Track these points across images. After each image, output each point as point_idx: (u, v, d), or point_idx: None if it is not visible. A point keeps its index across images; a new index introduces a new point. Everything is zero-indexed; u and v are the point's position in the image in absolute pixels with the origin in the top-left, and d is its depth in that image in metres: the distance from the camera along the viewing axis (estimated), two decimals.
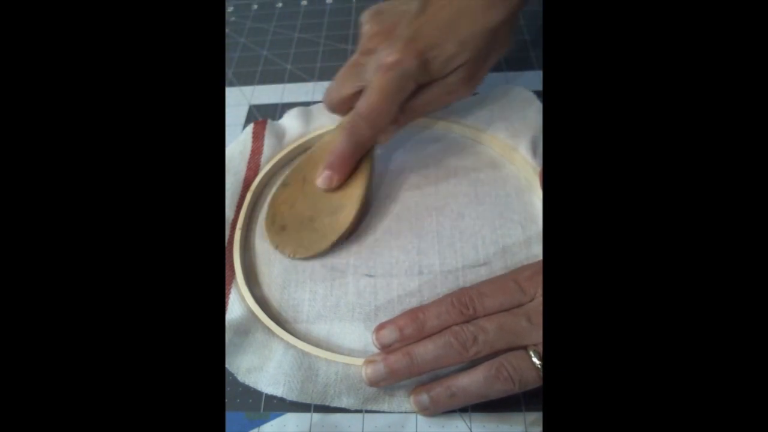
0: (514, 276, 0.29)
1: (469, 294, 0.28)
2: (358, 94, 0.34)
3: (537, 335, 0.26)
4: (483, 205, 0.37)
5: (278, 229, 0.36)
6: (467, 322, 0.28)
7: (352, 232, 0.36)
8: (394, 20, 0.36)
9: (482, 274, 0.33)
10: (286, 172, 0.39)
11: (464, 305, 0.28)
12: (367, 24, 0.37)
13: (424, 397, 0.27)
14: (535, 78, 0.47)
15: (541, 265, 0.29)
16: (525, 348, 0.26)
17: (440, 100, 0.36)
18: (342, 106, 0.37)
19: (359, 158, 0.36)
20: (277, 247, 0.36)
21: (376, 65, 0.33)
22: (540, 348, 0.26)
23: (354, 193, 0.36)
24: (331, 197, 0.36)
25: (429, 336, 0.28)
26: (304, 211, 0.36)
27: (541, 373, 0.26)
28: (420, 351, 0.27)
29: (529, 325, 0.26)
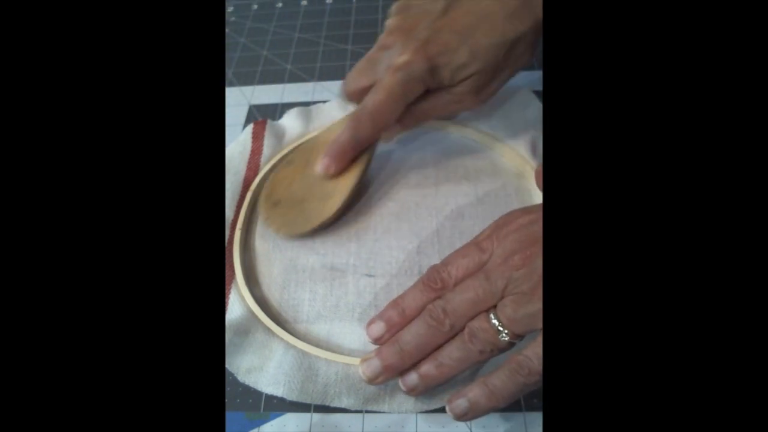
0: (475, 239, 0.29)
1: (435, 268, 0.29)
2: (371, 88, 0.35)
3: (496, 291, 0.26)
4: (483, 205, 0.37)
5: (271, 204, 0.37)
6: (440, 297, 0.28)
7: (335, 221, 0.37)
8: (417, 18, 0.36)
9: None
10: (293, 152, 0.40)
11: (433, 280, 0.28)
12: (391, 18, 0.38)
13: (413, 376, 0.27)
14: (535, 78, 0.47)
15: (499, 221, 0.29)
16: (487, 311, 0.26)
17: (447, 107, 0.36)
18: (356, 96, 0.37)
19: (358, 152, 0.36)
20: (265, 220, 0.36)
21: (388, 63, 0.33)
22: (499, 307, 0.26)
23: (345, 184, 0.36)
24: (325, 184, 0.37)
25: (412, 320, 0.28)
26: (298, 192, 0.37)
27: (502, 335, 0.25)
28: (405, 336, 0.28)
29: (487, 283, 0.26)
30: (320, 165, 0.36)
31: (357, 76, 0.37)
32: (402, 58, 0.32)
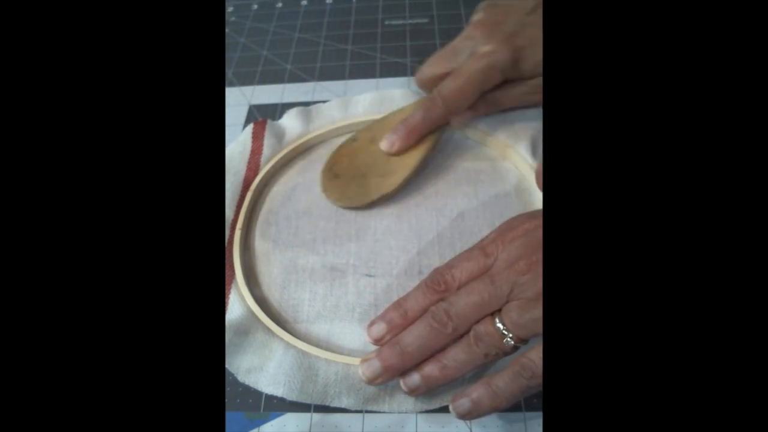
0: (479, 243, 0.29)
1: (439, 271, 0.29)
2: (447, 76, 0.36)
3: (501, 295, 0.26)
4: (483, 206, 0.37)
5: (332, 176, 0.38)
6: (443, 299, 0.28)
7: (391, 198, 0.38)
8: (505, 13, 0.37)
9: None
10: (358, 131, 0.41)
11: (436, 282, 0.28)
12: (478, 12, 0.39)
13: (414, 377, 0.27)
14: None
15: (503, 226, 0.29)
16: (492, 315, 0.26)
17: (522, 98, 0.37)
18: (430, 83, 0.39)
19: (426, 133, 0.38)
20: (324, 191, 0.38)
21: (471, 51, 0.35)
22: (504, 311, 0.26)
23: (409, 163, 0.38)
24: (388, 160, 0.38)
25: (414, 322, 0.28)
26: (360, 166, 0.38)
27: (506, 339, 0.26)
28: (406, 338, 0.28)
29: (492, 287, 0.26)
30: (386, 142, 0.37)
31: (435, 63, 0.38)
32: (487, 47, 0.34)
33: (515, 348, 0.26)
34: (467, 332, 0.27)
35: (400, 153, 0.38)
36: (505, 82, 0.36)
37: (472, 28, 0.38)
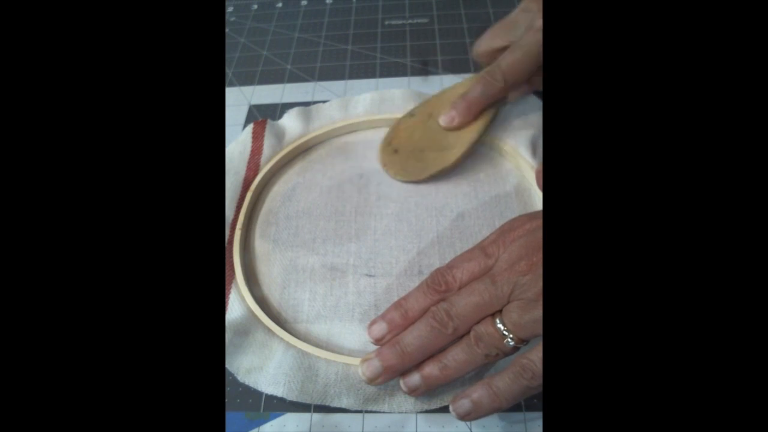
0: (480, 243, 0.29)
1: (440, 271, 0.29)
2: (504, 49, 0.37)
3: (502, 296, 0.26)
4: (483, 205, 0.37)
5: (390, 151, 0.40)
6: (444, 299, 0.28)
7: (449, 172, 0.39)
8: None
9: None
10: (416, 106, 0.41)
11: (437, 283, 0.28)
12: None
13: (415, 377, 0.27)
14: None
15: (504, 226, 0.29)
16: (493, 315, 0.26)
17: None
18: (487, 57, 0.39)
19: (484, 107, 0.38)
20: (384, 166, 0.39)
21: (528, 24, 0.35)
22: (505, 312, 0.26)
23: (467, 138, 0.38)
24: (446, 135, 0.39)
25: (414, 322, 0.28)
26: (418, 142, 0.39)
27: (507, 340, 0.26)
28: (406, 338, 0.27)
29: (494, 287, 0.26)
30: (445, 117, 0.38)
31: (491, 37, 0.39)
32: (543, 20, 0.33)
33: (516, 348, 0.26)
34: (468, 333, 0.27)
35: (460, 128, 0.38)
36: None
37: (528, 0, 0.38)
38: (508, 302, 0.26)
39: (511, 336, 0.25)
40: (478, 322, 0.27)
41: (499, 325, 0.26)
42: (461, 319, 0.27)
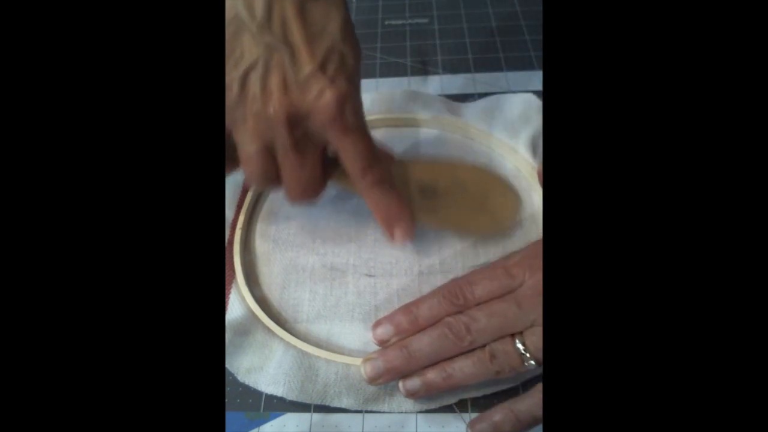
0: (503, 263, 0.29)
1: (459, 284, 0.29)
2: None
3: (526, 320, 0.26)
4: None
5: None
6: (460, 312, 0.28)
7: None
8: None
9: None
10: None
11: (455, 296, 0.28)
12: None
13: (416, 381, 0.27)
14: (535, 78, 0.47)
15: (529, 250, 0.29)
16: (513, 336, 0.27)
17: None
18: None
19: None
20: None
21: None
22: (527, 334, 0.26)
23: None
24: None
25: (423, 329, 0.28)
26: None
27: (526, 360, 0.26)
28: (416, 344, 0.27)
29: (519, 311, 0.26)
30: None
31: None
32: None
33: (530, 370, 0.26)
34: (479, 346, 0.27)
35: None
36: None
37: None
38: (532, 326, 0.26)
39: (531, 359, 0.26)
40: (495, 340, 0.27)
41: (519, 346, 0.26)
42: (480, 335, 0.27)
